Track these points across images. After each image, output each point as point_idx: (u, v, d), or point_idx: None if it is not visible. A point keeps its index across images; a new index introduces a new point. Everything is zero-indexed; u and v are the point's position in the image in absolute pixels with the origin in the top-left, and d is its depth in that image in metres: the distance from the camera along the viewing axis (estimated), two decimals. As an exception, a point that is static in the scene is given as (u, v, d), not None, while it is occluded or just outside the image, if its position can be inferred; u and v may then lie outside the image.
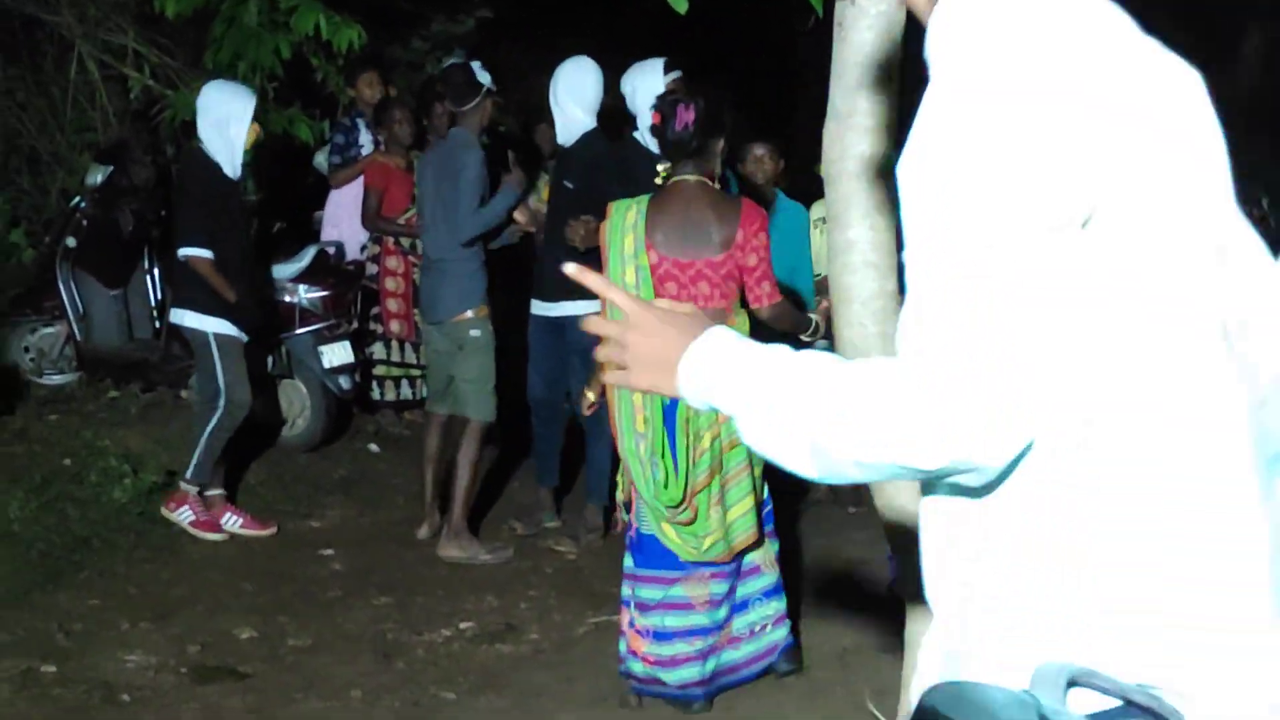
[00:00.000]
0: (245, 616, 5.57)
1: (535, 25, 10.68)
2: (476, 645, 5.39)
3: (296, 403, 7.54)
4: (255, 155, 7.19)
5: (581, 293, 6.25)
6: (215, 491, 6.53)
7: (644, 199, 4.67)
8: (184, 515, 6.39)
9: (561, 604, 5.80)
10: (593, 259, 6.17)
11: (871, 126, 3.02)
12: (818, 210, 6.70)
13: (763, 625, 4.70)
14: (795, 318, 4.73)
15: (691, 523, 4.49)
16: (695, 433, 4.45)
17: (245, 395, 6.39)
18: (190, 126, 6.84)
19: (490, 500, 7.02)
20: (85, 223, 7.67)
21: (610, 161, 6.35)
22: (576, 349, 6.36)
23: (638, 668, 4.64)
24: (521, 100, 9.81)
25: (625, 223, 4.58)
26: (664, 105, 4.71)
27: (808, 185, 7.09)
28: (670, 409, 4.46)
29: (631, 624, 4.66)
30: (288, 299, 7.38)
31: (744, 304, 4.67)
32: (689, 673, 4.59)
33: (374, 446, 7.97)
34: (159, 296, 7.92)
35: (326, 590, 5.96)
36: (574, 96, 6.43)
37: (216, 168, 6.35)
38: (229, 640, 5.35)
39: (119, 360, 7.70)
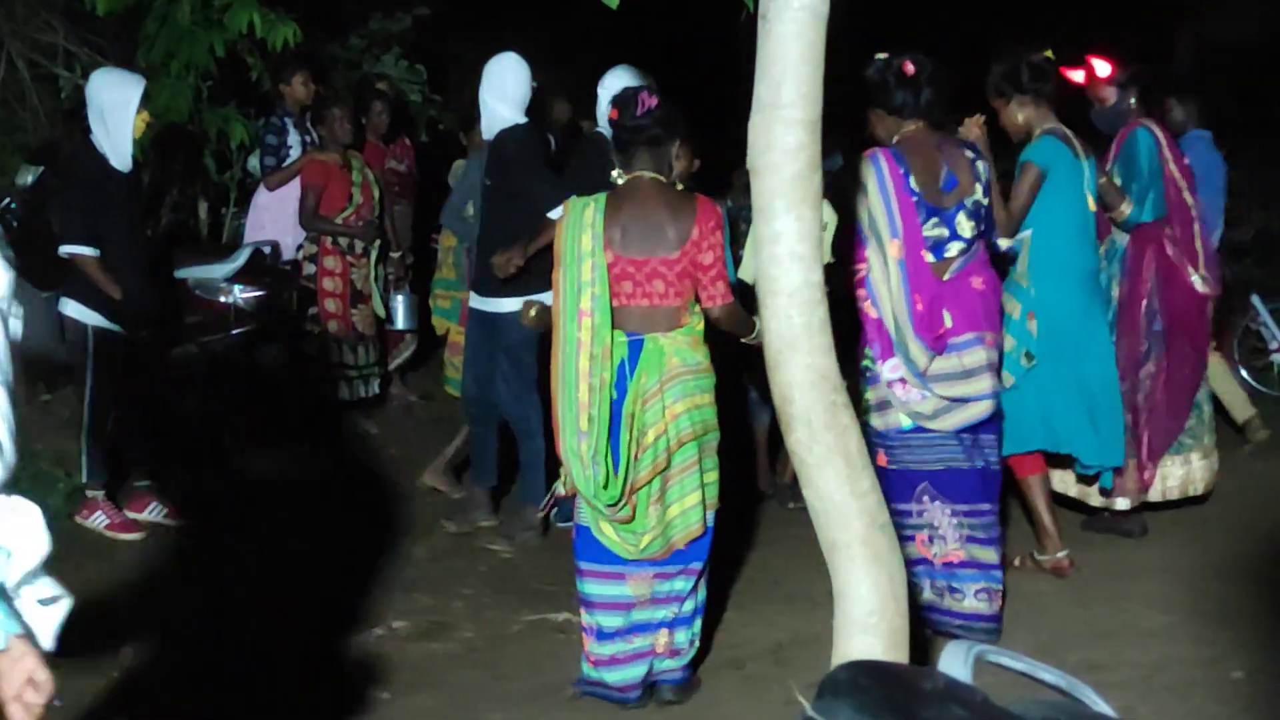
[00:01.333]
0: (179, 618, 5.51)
1: (474, 22, 10.66)
2: (410, 644, 5.36)
3: (231, 403, 7.49)
4: (165, 148, 7.08)
5: (516, 290, 6.27)
6: (142, 482, 6.51)
7: (602, 196, 4.63)
8: (98, 521, 6.34)
9: (496, 602, 5.78)
10: (533, 263, 6.21)
11: (798, 119, 3.04)
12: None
13: (692, 640, 4.70)
14: (744, 320, 4.67)
15: (629, 520, 4.48)
16: (640, 429, 4.43)
17: (112, 388, 6.31)
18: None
19: (425, 499, 6.98)
20: (16, 224, 7.56)
21: (530, 155, 6.37)
22: (505, 346, 6.35)
23: (585, 667, 4.64)
24: (462, 98, 9.79)
25: (583, 220, 4.54)
26: (624, 95, 4.71)
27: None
28: (617, 405, 4.45)
29: (582, 620, 4.67)
30: (223, 299, 7.32)
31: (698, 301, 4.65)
32: (629, 673, 4.58)
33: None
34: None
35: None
36: (497, 92, 6.42)
37: (103, 160, 6.21)
38: (166, 643, 5.28)
39: (52, 363, 7.59)
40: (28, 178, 7.58)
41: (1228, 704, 4.26)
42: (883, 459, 4.82)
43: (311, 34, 8.24)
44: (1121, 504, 5.93)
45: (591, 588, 4.60)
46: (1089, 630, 4.97)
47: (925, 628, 4.74)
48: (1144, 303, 5.92)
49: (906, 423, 4.85)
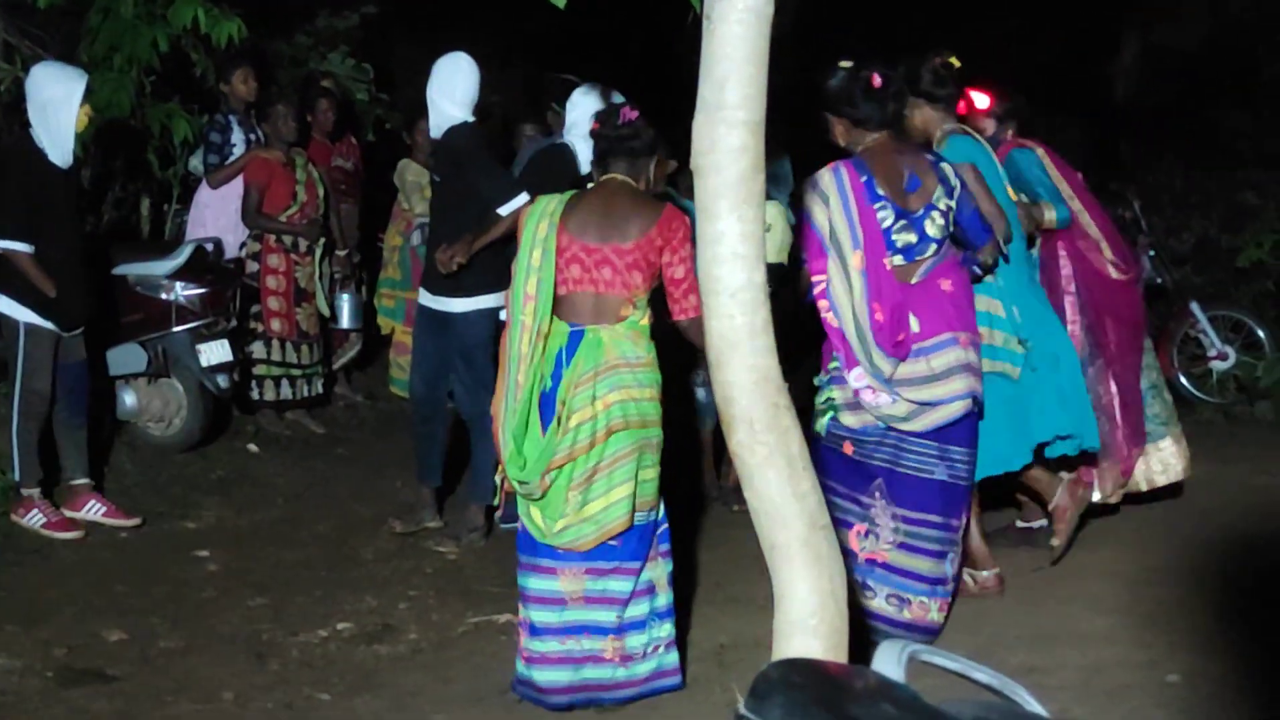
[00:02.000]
0: (116, 619, 5.44)
1: (421, 21, 10.62)
2: (354, 646, 5.31)
3: (173, 402, 7.41)
4: (107, 144, 7.01)
5: (468, 289, 6.26)
6: (79, 481, 6.43)
7: (571, 193, 4.74)
8: (34, 519, 6.27)
9: (441, 604, 5.75)
10: (483, 259, 6.20)
11: (741, 120, 3.04)
12: None
13: (655, 646, 4.66)
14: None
15: (540, 499, 4.48)
16: (568, 412, 4.44)
17: (43, 385, 6.22)
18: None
19: (371, 499, 6.94)
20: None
21: (479, 153, 6.37)
22: (459, 347, 6.34)
23: (518, 664, 4.62)
24: (407, 97, 9.74)
25: (545, 210, 4.63)
26: (608, 109, 4.87)
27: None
28: (550, 394, 4.46)
29: (519, 616, 4.66)
30: (164, 296, 7.25)
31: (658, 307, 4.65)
32: (558, 675, 4.55)
33: (253, 447, 7.87)
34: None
35: (200, 591, 5.85)
36: (446, 91, 6.40)
37: (41, 155, 6.12)
38: (98, 643, 5.22)
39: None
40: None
41: (1164, 708, 4.30)
42: (849, 448, 4.94)
43: (257, 30, 8.19)
44: (1098, 496, 6.00)
45: (527, 580, 4.59)
46: (1028, 633, 5.00)
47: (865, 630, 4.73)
48: (1068, 299, 6.00)
49: (881, 424, 4.89)
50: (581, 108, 6.48)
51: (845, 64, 5.04)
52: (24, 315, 6.18)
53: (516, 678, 4.64)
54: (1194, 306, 9.00)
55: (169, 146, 8.29)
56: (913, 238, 4.90)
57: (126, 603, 5.67)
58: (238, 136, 8.09)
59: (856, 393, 4.85)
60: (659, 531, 4.68)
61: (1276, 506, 6.69)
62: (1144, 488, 6.28)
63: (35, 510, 6.24)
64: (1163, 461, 6.31)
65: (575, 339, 4.52)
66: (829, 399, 4.95)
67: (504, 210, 6.21)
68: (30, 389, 6.21)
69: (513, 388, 4.49)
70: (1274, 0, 11.01)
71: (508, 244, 5.99)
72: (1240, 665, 4.55)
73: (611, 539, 4.50)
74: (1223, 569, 5.55)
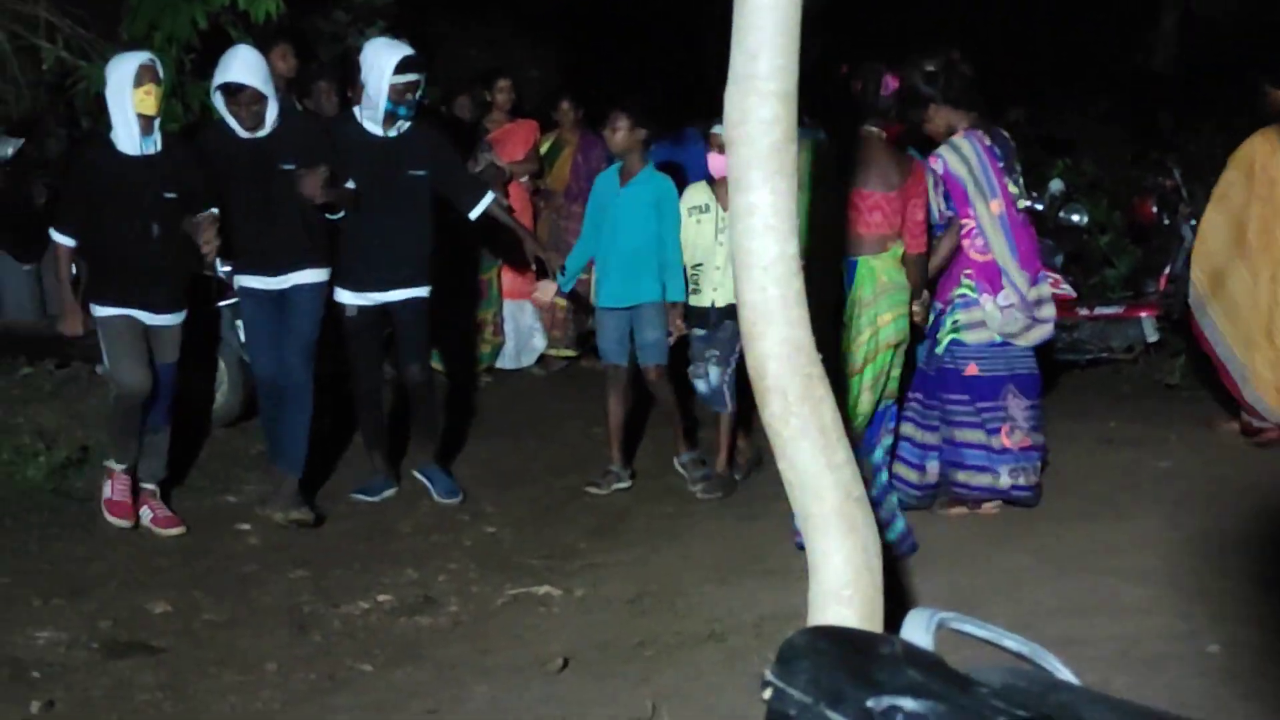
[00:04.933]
0: (160, 592, 5.52)
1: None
2: (394, 618, 5.36)
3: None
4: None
5: (305, 263, 6.37)
6: (145, 485, 6.30)
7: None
8: (105, 491, 6.25)
9: (480, 576, 5.79)
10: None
11: (773, 90, 3.03)
12: (692, 197, 6.73)
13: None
14: (924, 272, 5.74)
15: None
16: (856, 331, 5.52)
17: (128, 378, 6.05)
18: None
19: (408, 472, 6.97)
20: (-4, 196, 7.57)
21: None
22: (297, 322, 6.40)
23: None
24: (445, 72, 9.75)
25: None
26: (868, 71, 5.61)
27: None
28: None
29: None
30: (205, 271, 7.29)
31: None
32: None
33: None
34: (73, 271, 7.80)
35: (243, 565, 5.91)
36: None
37: (108, 146, 6.01)
38: (143, 615, 5.30)
39: (32, 336, 7.58)
40: (8, 150, 7.60)
41: (1205, 677, 4.29)
42: (974, 369, 5.94)
43: (295, 7, 8.20)
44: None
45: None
46: (1066, 604, 4.98)
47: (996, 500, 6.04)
48: None
49: (996, 338, 5.91)
50: (375, 71, 6.54)
51: (935, 56, 5.96)
52: (95, 309, 6.11)
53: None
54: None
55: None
56: (1016, 190, 5.98)
57: (170, 576, 5.75)
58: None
59: (1003, 309, 5.85)
60: (889, 413, 5.66)
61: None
62: None
63: (110, 481, 6.23)
64: None
65: (851, 268, 5.49)
66: (955, 321, 5.92)
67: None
68: (118, 381, 6.09)
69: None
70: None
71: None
72: (1281, 635, 4.53)
73: None
74: (1265, 539, 5.52)
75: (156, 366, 6.15)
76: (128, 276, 6.04)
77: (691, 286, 6.69)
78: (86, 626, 5.14)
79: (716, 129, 6.42)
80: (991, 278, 5.89)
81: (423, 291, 6.69)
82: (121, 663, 4.87)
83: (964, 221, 5.89)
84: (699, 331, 6.68)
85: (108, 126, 6.08)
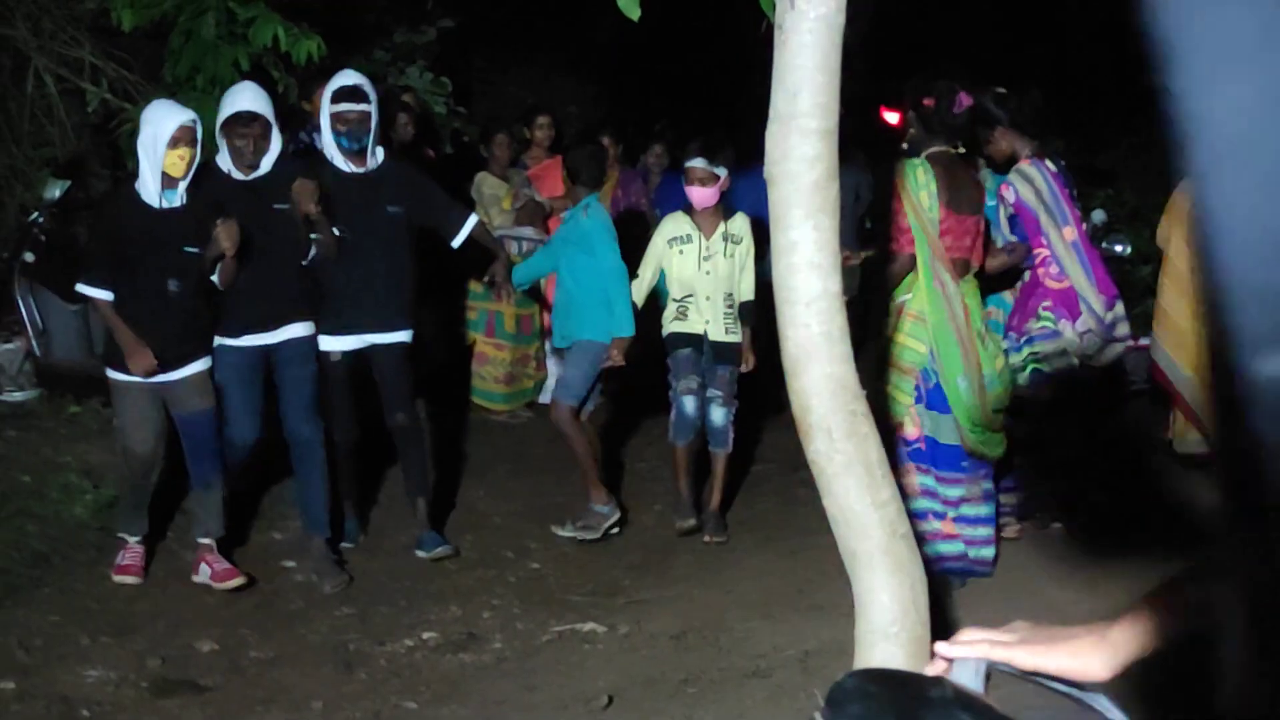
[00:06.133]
0: (207, 630, 5.54)
1: (497, 34, 10.70)
2: (439, 655, 5.38)
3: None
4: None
5: (296, 316, 6.21)
6: (201, 540, 6.08)
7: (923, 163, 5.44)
8: (117, 558, 6.05)
9: (525, 613, 5.80)
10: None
11: (813, 129, 3.04)
12: (670, 228, 6.73)
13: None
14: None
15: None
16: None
17: (138, 446, 5.91)
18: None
19: (451, 510, 6.97)
20: (43, 237, 7.63)
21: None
22: (293, 372, 6.23)
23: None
24: (485, 109, 9.83)
25: (917, 181, 5.37)
26: (942, 88, 5.55)
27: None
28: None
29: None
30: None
31: None
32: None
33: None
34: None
35: (289, 602, 5.94)
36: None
37: (134, 196, 5.88)
38: (190, 653, 5.33)
39: (79, 375, 7.63)
40: (55, 192, 7.67)
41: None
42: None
43: (336, 47, 8.28)
44: None
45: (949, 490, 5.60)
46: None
47: None
48: None
49: (1075, 361, 6.01)
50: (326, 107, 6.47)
51: (1001, 89, 6.09)
52: (109, 371, 6.00)
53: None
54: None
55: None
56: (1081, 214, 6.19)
57: (216, 614, 5.77)
58: (319, 153, 8.17)
59: (1081, 336, 5.94)
60: None
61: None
62: None
63: (121, 551, 6.10)
64: None
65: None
66: (1033, 353, 5.99)
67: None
68: (124, 446, 5.98)
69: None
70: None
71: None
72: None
73: None
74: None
75: (181, 421, 5.97)
76: (143, 337, 5.82)
77: (678, 314, 6.71)
78: (135, 665, 5.17)
79: (694, 163, 6.55)
80: (1070, 304, 5.99)
81: (404, 336, 6.50)
82: (170, 701, 4.90)
83: (1037, 251, 6.00)
84: (684, 351, 6.64)
85: (135, 172, 5.99)
